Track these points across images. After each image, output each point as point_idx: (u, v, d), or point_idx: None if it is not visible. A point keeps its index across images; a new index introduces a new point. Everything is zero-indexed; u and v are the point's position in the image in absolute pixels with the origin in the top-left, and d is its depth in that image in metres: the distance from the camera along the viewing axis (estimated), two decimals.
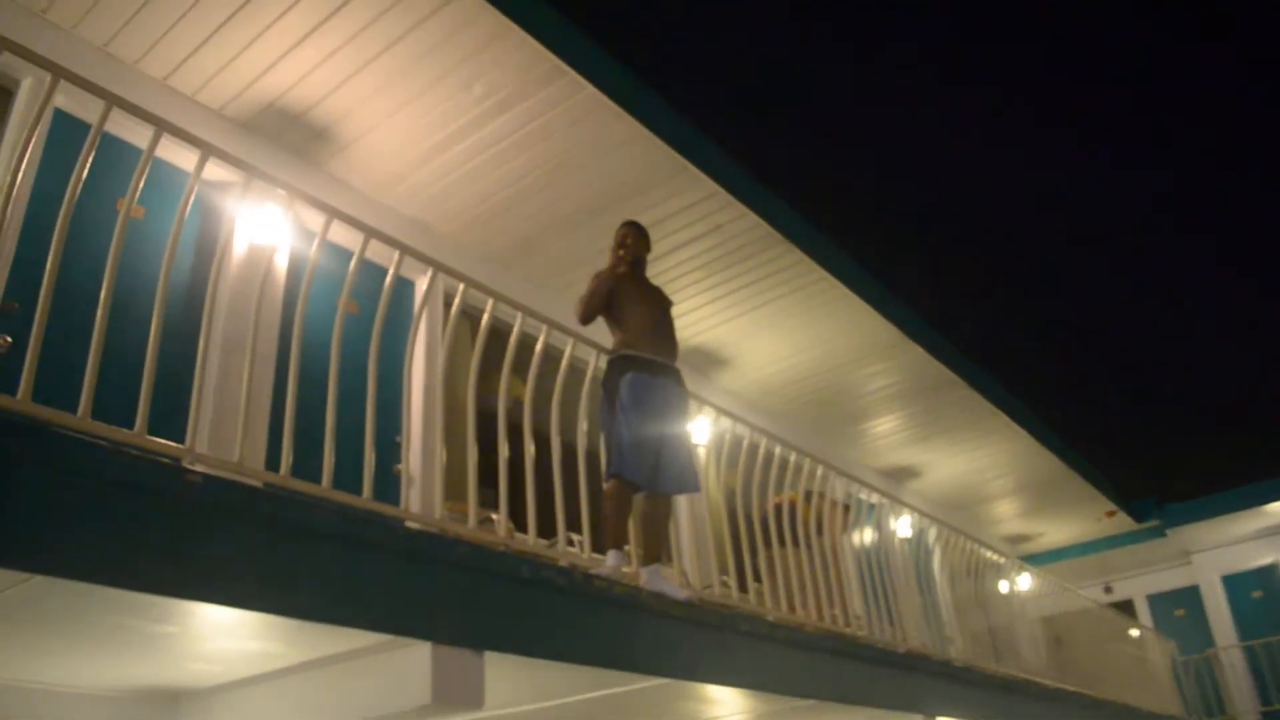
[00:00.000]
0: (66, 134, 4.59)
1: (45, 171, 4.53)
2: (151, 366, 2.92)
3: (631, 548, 4.51)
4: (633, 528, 4.53)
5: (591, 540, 4.35)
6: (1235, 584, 15.10)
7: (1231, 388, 24.15)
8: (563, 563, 3.78)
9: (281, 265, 5.32)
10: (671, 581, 4.29)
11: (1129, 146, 26.19)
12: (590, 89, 5.42)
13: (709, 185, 6.30)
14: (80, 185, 2.82)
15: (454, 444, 5.82)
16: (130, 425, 2.79)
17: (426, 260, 3.86)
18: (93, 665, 3.50)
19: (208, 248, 5.09)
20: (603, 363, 4.65)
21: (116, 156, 4.72)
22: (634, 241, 4.92)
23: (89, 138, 2.91)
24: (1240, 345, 25.14)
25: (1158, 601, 16.21)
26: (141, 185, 3.02)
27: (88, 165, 2.89)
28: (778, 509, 5.62)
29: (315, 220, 5.24)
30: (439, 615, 3.19)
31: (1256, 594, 14.91)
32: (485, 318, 4.13)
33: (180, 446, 2.80)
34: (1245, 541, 14.99)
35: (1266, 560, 14.82)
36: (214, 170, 5.13)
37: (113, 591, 2.49)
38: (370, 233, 3.61)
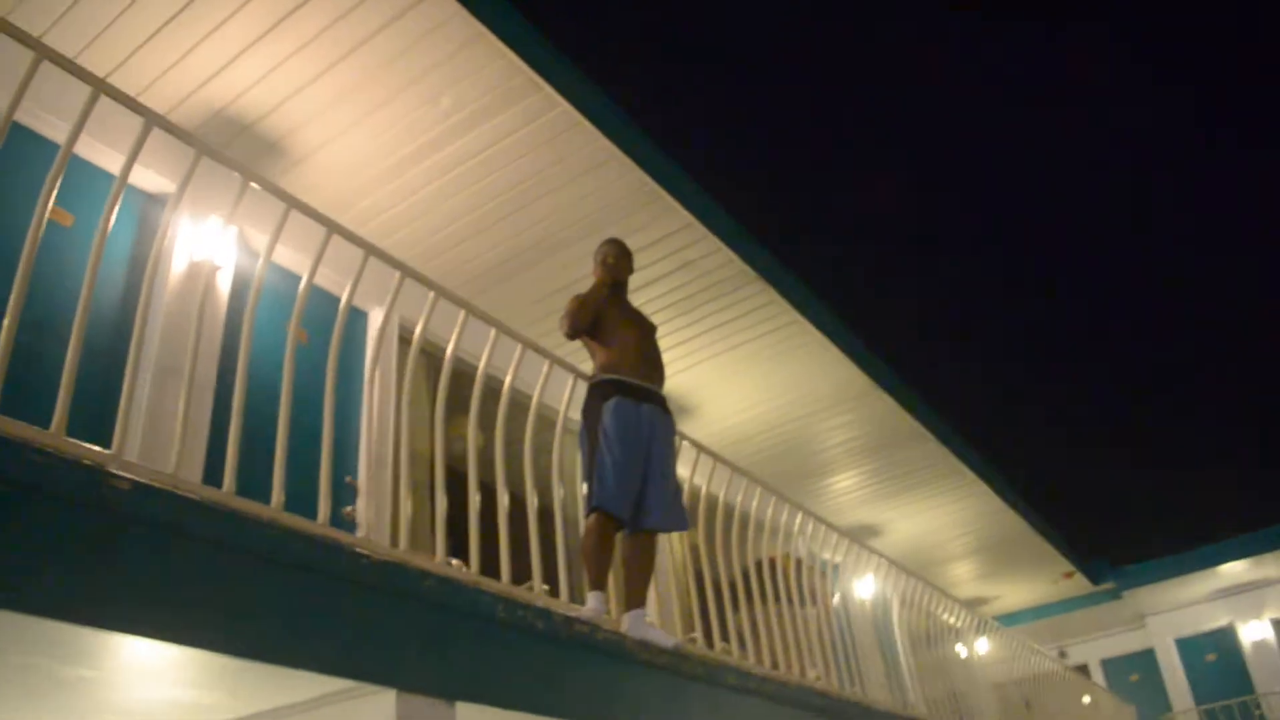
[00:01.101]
0: None
1: None
2: (72, 367, 2.48)
3: (612, 591, 4.09)
4: (613, 570, 4.11)
5: (569, 589, 3.92)
6: (1190, 647, 15.01)
7: (1185, 450, 24.37)
8: (539, 604, 3.35)
9: (224, 286, 4.89)
10: (656, 628, 3.87)
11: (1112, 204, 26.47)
12: (564, 106, 5.10)
13: (683, 217, 5.99)
14: None
15: (411, 490, 5.38)
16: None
17: (394, 264, 3.47)
18: None
19: (143, 263, 4.65)
20: (580, 388, 4.27)
21: (41, 156, 4.31)
22: (616, 261, 4.57)
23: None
24: (1193, 409, 25.48)
25: (1112, 666, 16.05)
26: (61, 176, 2.56)
27: None
28: (760, 564, 5.27)
29: (260, 238, 4.91)
30: (404, 659, 2.76)
31: (1210, 657, 14.81)
32: (452, 344, 3.74)
33: (105, 452, 2.36)
34: (1200, 603, 14.94)
35: (1221, 622, 14.74)
36: (152, 179, 4.85)
37: (12, 618, 2.04)
38: (333, 228, 3.22)
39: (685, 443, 5.05)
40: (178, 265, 4.70)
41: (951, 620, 8.04)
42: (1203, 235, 26.03)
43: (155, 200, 4.83)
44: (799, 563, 5.63)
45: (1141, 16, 25.23)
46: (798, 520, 5.74)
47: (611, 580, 4.08)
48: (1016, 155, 27.12)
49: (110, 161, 4.60)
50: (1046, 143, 26.60)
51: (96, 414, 3.53)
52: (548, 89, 5.00)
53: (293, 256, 4.81)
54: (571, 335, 4.32)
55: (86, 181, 4.49)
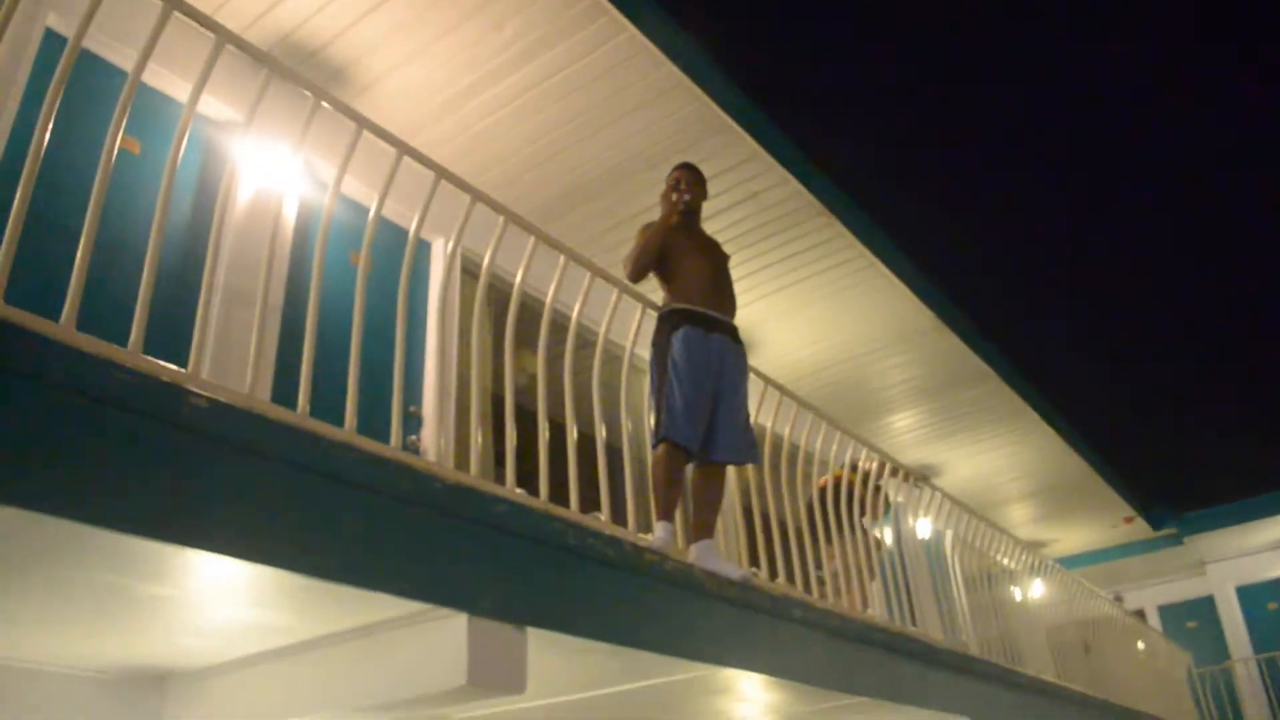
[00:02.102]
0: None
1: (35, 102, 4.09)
2: (147, 289, 2.47)
3: (679, 523, 4.06)
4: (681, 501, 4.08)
5: (635, 521, 3.89)
6: (1251, 595, 14.77)
7: (1253, 396, 23.78)
8: (608, 532, 3.34)
9: (289, 212, 4.89)
10: (724, 559, 3.85)
11: (1239, 134, 25.39)
12: (630, 32, 4.98)
13: (749, 147, 5.87)
14: (58, 100, 2.34)
15: (468, 421, 5.39)
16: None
17: (464, 187, 3.42)
18: (66, 637, 3.05)
19: (209, 191, 4.65)
20: (650, 320, 4.21)
21: (110, 83, 4.30)
22: (689, 186, 4.47)
23: (72, 38, 2.43)
24: (1264, 354, 24.78)
25: (1169, 612, 15.86)
26: (130, 104, 2.51)
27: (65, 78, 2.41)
28: (822, 492, 5.21)
29: (325, 167, 4.88)
30: (476, 583, 2.75)
31: (1272, 605, 14.56)
32: (520, 273, 3.68)
33: (182, 371, 2.35)
34: (1263, 551, 14.66)
35: None
36: (218, 107, 4.82)
37: (96, 536, 2.06)
38: (405, 150, 3.17)
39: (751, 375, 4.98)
40: (245, 192, 4.68)
41: (1008, 562, 7.95)
42: None
43: (221, 128, 4.81)
44: (853, 465, 5.55)
45: None
46: (862, 456, 5.67)
47: (679, 512, 4.06)
48: (1100, 93, 26.25)
49: (175, 88, 4.58)
50: (1131, 86, 25.71)
51: (164, 337, 3.56)
52: (612, 13, 4.88)
53: (356, 186, 4.79)
54: (633, 280, 4.24)
55: (152, 109, 4.49)
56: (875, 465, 5.67)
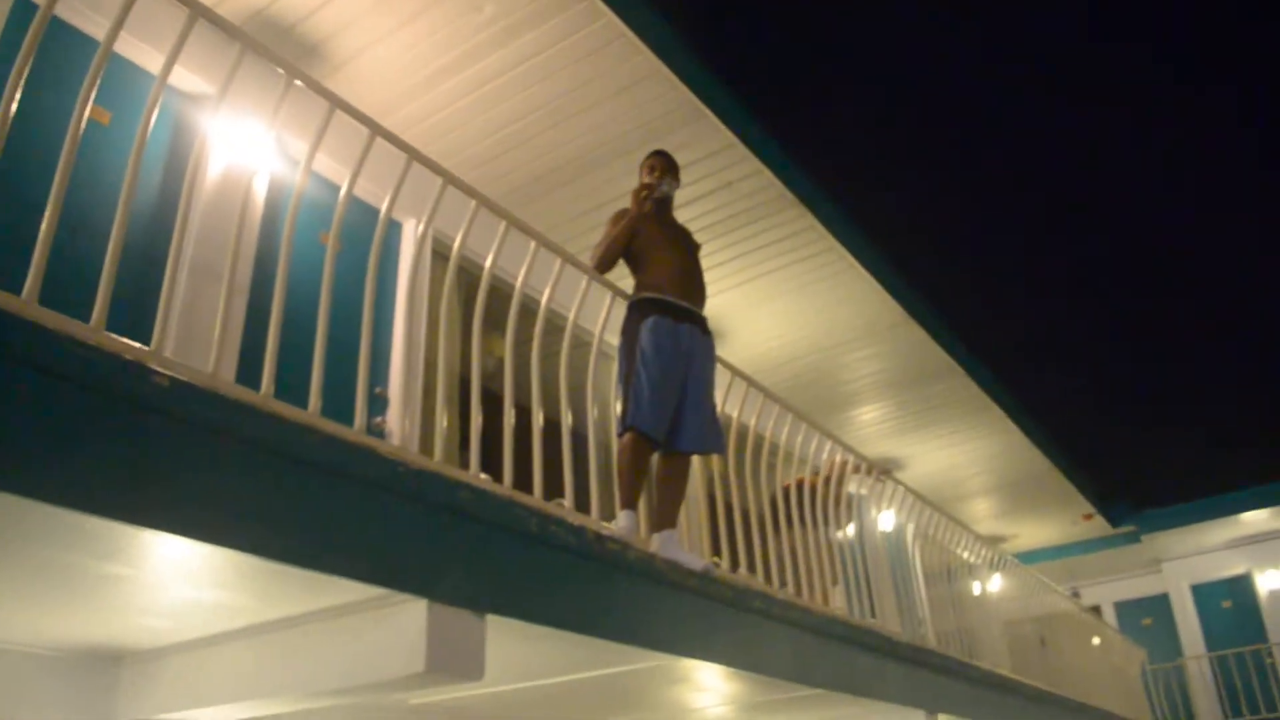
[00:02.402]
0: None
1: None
2: (112, 264, 2.44)
3: (642, 512, 4.08)
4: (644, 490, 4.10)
5: (599, 508, 3.89)
6: (1205, 593, 15.02)
7: (1213, 398, 24.17)
8: (572, 520, 3.34)
9: (259, 189, 4.83)
10: (685, 550, 3.86)
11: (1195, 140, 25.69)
12: (609, 17, 4.96)
13: (725, 137, 5.87)
14: (27, 68, 2.30)
15: (434, 403, 5.36)
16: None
17: (436, 170, 3.39)
18: (19, 615, 3.02)
19: (178, 164, 4.59)
20: (619, 308, 4.21)
21: (81, 52, 4.24)
22: (663, 173, 4.46)
23: (44, 6, 2.39)
24: (1224, 357, 25.17)
25: (1125, 609, 16.10)
26: (100, 74, 2.47)
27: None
28: (786, 490, 5.24)
29: (296, 144, 4.82)
30: (437, 569, 2.75)
31: (1226, 604, 14.81)
32: (491, 257, 3.65)
33: (144, 348, 2.33)
34: (1218, 550, 14.91)
35: (1239, 570, 14.72)
36: (190, 80, 4.75)
37: (53, 514, 2.03)
38: (377, 130, 3.14)
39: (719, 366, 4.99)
40: (215, 167, 4.62)
41: (969, 556, 8.04)
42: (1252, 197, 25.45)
43: (192, 100, 4.75)
44: (828, 478, 5.58)
45: None
46: (826, 449, 5.70)
47: (642, 501, 4.07)
48: (1063, 110, 26.46)
49: (147, 59, 4.51)
50: (1101, 93, 25.91)
51: (130, 312, 3.51)
52: None
53: (327, 164, 4.74)
54: (600, 270, 4.23)
55: (123, 79, 4.42)
56: (838, 465, 5.69)
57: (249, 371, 2.90)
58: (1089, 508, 13.46)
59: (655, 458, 4.10)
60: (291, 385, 2.86)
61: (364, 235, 3.49)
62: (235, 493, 2.33)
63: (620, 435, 3.97)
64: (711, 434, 4.12)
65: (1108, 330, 25.77)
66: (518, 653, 3.40)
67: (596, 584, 3.32)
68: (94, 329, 2.24)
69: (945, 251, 24.89)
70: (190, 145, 4.61)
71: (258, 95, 3.28)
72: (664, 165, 4.50)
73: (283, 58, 2.95)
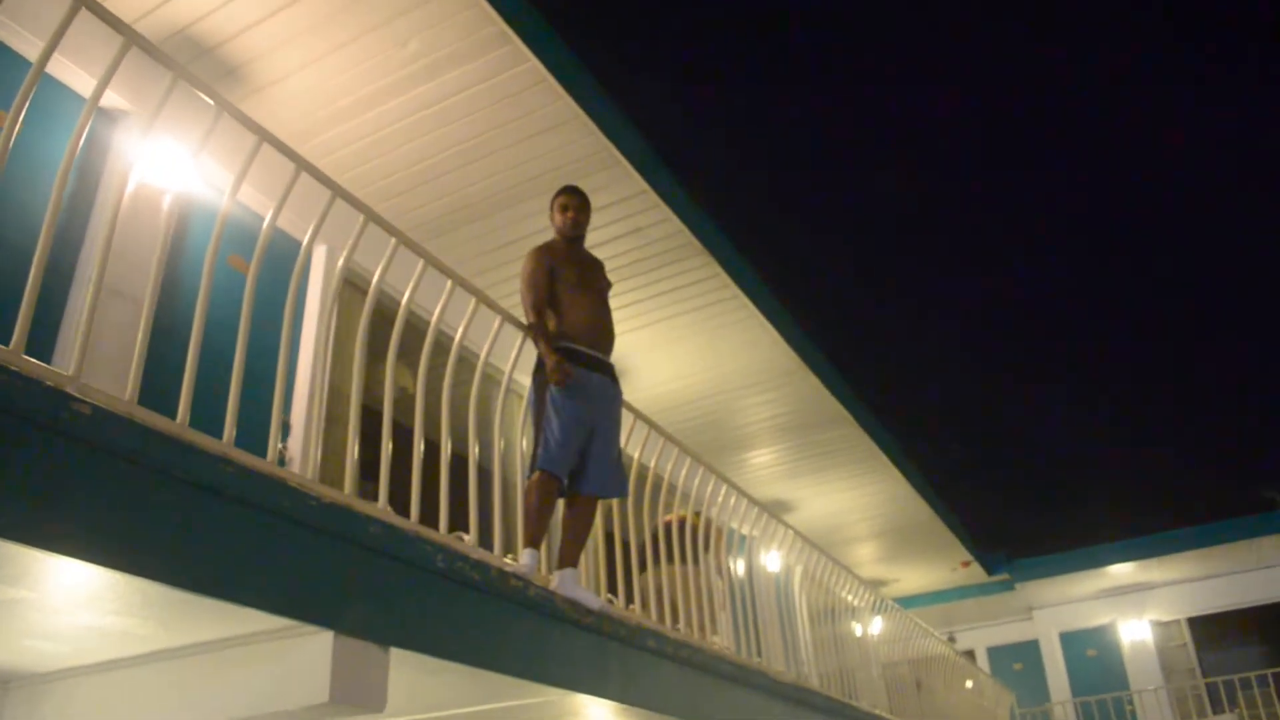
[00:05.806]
0: None
1: None
2: (35, 285, 2.45)
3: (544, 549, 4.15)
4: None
5: (502, 543, 3.96)
6: (1073, 641, 15.67)
7: (1084, 455, 25.29)
8: (476, 557, 3.40)
9: (169, 210, 4.78)
10: (585, 589, 3.95)
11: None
12: (532, 62, 5.08)
13: (637, 183, 6.03)
14: None
15: (338, 432, 5.36)
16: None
17: (359, 207, 3.45)
18: None
19: (86, 177, 4.53)
20: (530, 348, 4.30)
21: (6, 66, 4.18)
22: (575, 212, 4.59)
23: None
24: (1096, 417, 26.41)
25: (998, 653, 16.69)
26: (31, 96, 2.49)
27: None
28: (668, 526, 5.37)
29: (210, 163, 4.79)
30: (344, 602, 2.79)
31: (1091, 652, 15.47)
32: (407, 295, 3.72)
33: (65, 373, 2.34)
34: (1086, 600, 15.58)
35: (1104, 620, 15.40)
36: (106, 95, 4.69)
37: None
38: (304, 166, 3.19)
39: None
40: (126, 185, 4.56)
41: (852, 599, 8.28)
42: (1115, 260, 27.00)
43: (104, 114, 4.69)
44: (698, 511, 5.72)
45: None
46: (722, 492, 5.86)
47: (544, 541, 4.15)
48: (964, 145, 27.69)
49: (60, 69, 4.45)
50: (985, 128, 27.20)
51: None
52: (516, 42, 4.97)
53: (243, 188, 4.72)
54: (537, 317, 4.29)
55: (38, 91, 4.34)
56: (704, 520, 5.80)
57: (152, 394, 2.88)
58: (967, 555, 13.93)
59: (562, 500, 4.19)
60: (197, 408, 2.85)
61: (276, 261, 3.48)
62: (146, 520, 2.35)
63: (528, 476, 4.05)
64: (614, 479, 4.23)
65: (994, 390, 26.82)
66: (420, 685, 3.43)
67: (498, 619, 3.39)
68: (13, 350, 2.25)
69: (845, 304, 25.69)
70: (98, 158, 4.56)
71: (173, 112, 3.29)
72: (575, 203, 4.62)
73: (212, 87, 2.98)
